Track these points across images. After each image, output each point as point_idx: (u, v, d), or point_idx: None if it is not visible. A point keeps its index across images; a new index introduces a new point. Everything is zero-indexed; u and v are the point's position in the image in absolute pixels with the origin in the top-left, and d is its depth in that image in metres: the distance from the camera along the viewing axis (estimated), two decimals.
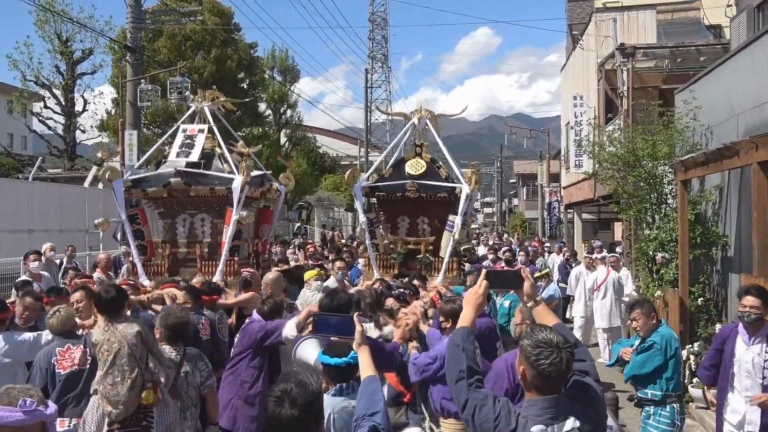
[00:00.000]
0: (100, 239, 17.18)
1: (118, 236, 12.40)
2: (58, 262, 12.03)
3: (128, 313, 5.19)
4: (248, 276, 7.71)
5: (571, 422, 2.57)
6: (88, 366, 4.64)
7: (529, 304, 3.15)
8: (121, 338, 3.95)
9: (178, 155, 9.16)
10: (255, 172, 9.39)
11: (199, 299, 6.28)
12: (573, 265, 14.46)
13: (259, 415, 5.03)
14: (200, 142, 9.18)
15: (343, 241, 22.67)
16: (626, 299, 11.05)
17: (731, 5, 15.14)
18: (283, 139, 36.74)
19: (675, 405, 5.51)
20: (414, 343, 4.68)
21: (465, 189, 9.32)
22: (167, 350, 4.75)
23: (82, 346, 4.75)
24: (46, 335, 5.25)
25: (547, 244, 21.49)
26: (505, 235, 32.97)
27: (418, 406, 5.21)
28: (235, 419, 5.44)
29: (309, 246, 17.58)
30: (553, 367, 2.56)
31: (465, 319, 3.02)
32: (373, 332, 5.07)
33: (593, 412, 2.68)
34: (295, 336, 4.69)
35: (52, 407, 2.90)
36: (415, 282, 7.62)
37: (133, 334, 3.97)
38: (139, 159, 16.37)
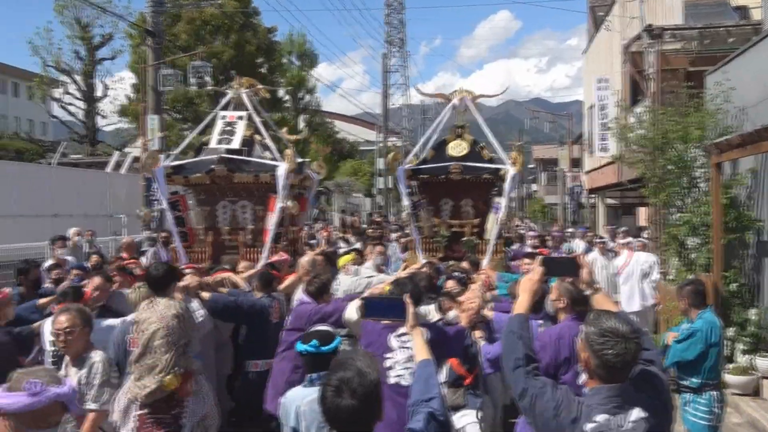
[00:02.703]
0: (123, 224, 17.26)
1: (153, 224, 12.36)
2: (82, 247, 12.09)
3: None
4: (277, 263, 7.67)
5: (636, 412, 2.48)
6: None
7: (587, 292, 3.06)
8: (159, 318, 3.87)
9: (219, 142, 8.99)
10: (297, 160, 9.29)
11: (269, 285, 6.21)
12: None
13: None
14: (241, 129, 9.01)
15: (364, 226, 22.58)
16: (653, 284, 10.90)
17: None
18: (301, 125, 36.71)
19: (713, 393, 5.35)
20: (479, 332, 4.58)
21: (511, 170, 9.17)
22: None
23: None
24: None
25: (570, 230, 21.24)
26: (526, 221, 32.75)
27: (480, 391, 5.15)
28: None
29: (324, 230, 17.51)
30: (619, 358, 2.46)
31: (521, 306, 2.95)
32: (434, 315, 5.01)
33: (660, 403, 2.57)
34: (356, 319, 4.66)
35: (68, 384, 2.77)
36: (464, 264, 7.46)
37: (172, 316, 3.88)
38: (161, 144, 16.37)
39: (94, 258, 9.53)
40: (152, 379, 3.74)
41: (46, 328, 5.15)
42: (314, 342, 3.69)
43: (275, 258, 7.99)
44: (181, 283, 5.53)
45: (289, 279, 7.18)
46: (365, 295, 4.78)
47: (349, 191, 41.65)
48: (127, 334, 4.74)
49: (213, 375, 5.73)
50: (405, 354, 4.27)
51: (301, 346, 3.74)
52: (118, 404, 3.93)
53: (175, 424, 3.84)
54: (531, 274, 3.03)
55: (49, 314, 5.73)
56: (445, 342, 4.57)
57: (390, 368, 4.38)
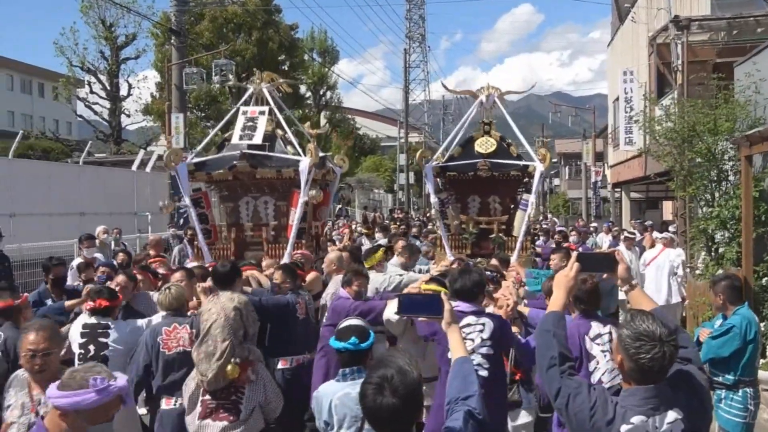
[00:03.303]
0: (149, 222, 17.42)
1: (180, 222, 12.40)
2: (110, 245, 12.20)
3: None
4: (300, 258, 7.66)
5: (673, 414, 2.42)
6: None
7: (624, 289, 2.98)
8: (220, 309, 4.14)
9: (241, 138, 8.96)
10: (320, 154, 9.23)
11: (295, 278, 6.18)
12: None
13: None
14: (262, 124, 8.97)
15: (386, 222, 22.57)
16: (679, 279, 10.76)
17: None
18: (322, 121, 36.77)
19: (748, 389, 5.24)
20: (515, 328, 4.58)
21: (539, 167, 9.10)
22: None
23: (188, 327, 4.83)
24: (157, 318, 5.30)
25: (594, 224, 21.06)
26: (549, 216, 32.54)
27: (534, 386, 5.14)
28: None
29: (344, 227, 17.51)
30: (654, 362, 2.40)
31: (555, 303, 2.88)
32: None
33: (698, 402, 2.51)
34: (397, 319, 4.71)
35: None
36: (494, 262, 7.39)
37: (232, 308, 4.16)
38: (185, 142, 16.49)
39: (121, 256, 9.61)
40: (210, 366, 4.01)
41: (74, 329, 5.22)
42: (354, 339, 3.64)
43: (298, 253, 7.99)
44: (204, 284, 5.58)
45: (312, 275, 7.18)
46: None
47: (370, 187, 41.64)
48: (159, 336, 4.81)
49: None
50: (468, 347, 4.22)
51: (338, 344, 3.68)
52: (187, 390, 4.21)
53: (235, 409, 4.14)
54: (566, 271, 2.93)
55: (78, 314, 5.79)
56: (508, 331, 4.55)
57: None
